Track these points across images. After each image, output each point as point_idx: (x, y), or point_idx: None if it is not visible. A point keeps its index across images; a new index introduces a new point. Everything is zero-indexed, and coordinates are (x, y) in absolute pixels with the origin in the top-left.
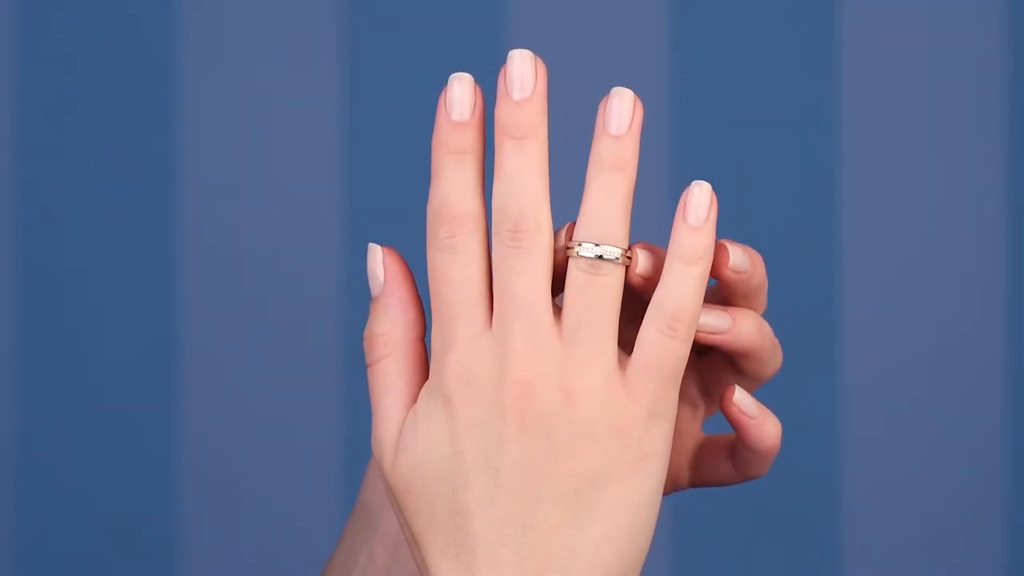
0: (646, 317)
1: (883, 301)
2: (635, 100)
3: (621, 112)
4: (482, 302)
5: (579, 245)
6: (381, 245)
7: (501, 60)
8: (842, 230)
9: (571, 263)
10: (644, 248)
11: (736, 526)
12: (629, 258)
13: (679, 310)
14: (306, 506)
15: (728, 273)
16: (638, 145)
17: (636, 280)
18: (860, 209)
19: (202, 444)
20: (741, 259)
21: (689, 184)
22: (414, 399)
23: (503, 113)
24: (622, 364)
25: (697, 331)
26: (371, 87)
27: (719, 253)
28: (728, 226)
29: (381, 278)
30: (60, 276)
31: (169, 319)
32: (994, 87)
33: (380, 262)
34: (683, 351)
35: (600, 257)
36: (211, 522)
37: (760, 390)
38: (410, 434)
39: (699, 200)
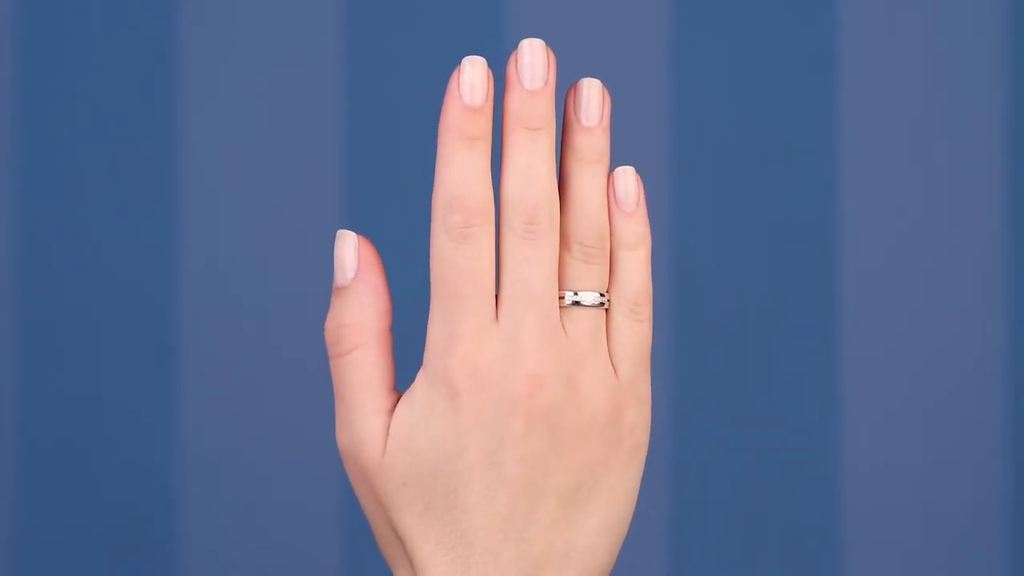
0: (612, 307)
1: (883, 301)
2: (603, 89)
3: (591, 103)
4: (490, 294)
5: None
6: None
7: (501, 60)
8: (842, 230)
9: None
10: None
11: (736, 526)
12: (608, 300)
13: (638, 293)
14: (307, 507)
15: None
16: (609, 135)
17: None
18: (860, 209)
19: (202, 445)
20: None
21: (615, 170)
22: (389, 391)
23: (516, 103)
24: None
25: None
26: (371, 87)
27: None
28: (728, 225)
29: (353, 265)
30: (60, 279)
31: (170, 321)
32: (994, 87)
33: (354, 249)
34: (649, 332)
35: (578, 304)
36: (212, 523)
37: (761, 391)
38: (406, 425)
39: (627, 187)
